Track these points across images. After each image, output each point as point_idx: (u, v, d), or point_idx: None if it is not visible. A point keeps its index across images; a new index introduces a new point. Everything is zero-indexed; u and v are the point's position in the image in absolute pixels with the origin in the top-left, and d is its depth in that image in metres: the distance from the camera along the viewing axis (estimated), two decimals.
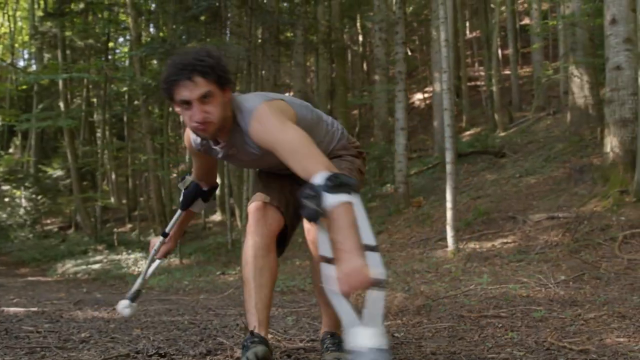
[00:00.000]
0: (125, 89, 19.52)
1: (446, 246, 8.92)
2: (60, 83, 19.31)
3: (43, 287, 10.45)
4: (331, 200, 1.98)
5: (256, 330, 2.38)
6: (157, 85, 11.83)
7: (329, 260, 2.00)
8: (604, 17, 8.74)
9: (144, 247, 16.22)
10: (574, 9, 12.85)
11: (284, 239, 2.69)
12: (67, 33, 18.53)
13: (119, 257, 14.58)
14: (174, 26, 10.66)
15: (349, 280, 1.84)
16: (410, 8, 26.52)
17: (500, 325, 3.82)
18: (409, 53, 29.01)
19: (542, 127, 17.84)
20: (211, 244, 14.41)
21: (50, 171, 24.68)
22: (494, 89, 20.28)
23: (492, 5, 22.78)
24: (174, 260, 13.10)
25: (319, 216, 2.02)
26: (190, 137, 2.64)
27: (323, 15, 12.03)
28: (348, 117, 25.77)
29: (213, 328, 4.01)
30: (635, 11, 8.25)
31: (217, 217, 18.86)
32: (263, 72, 11.95)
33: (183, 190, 2.96)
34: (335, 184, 2.01)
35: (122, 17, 18.26)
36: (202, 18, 10.54)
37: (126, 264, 13.35)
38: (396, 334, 3.67)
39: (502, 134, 18.79)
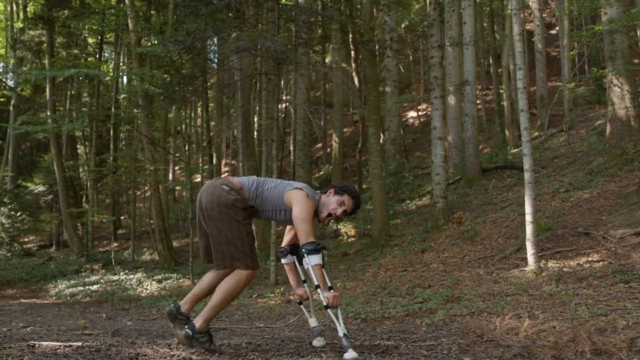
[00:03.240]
0: (123, 96, 18.32)
1: (518, 265, 7.99)
2: (48, 92, 18.04)
3: (46, 310, 9.20)
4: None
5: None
6: (171, 83, 10.75)
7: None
8: None
9: (141, 266, 14.96)
10: (612, 15, 12.11)
11: None
12: (58, 39, 17.30)
13: (117, 277, 13.30)
14: (198, 20, 9.60)
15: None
16: (406, 22, 25.82)
17: None
18: (401, 69, 28.29)
19: (559, 143, 17.14)
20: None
21: (31, 186, 23.15)
22: (505, 104, 19.58)
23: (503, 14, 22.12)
24: (184, 282, 11.91)
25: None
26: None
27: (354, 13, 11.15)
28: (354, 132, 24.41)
29: None
30: None
31: None
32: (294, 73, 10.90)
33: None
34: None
35: (113, 19, 17.09)
36: (230, 14, 9.53)
37: (130, 285, 12.10)
38: None
39: (514, 150, 18.05)
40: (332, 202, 4.06)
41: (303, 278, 4.34)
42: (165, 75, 11.75)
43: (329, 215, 4.06)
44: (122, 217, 27.81)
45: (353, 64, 17.69)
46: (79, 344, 4.40)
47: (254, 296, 8.52)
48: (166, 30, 16.17)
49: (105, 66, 12.39)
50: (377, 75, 11.25)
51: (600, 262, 7.23)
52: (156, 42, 16.74)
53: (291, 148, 20.51)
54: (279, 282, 9.88)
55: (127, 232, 23.21)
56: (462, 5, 14.68)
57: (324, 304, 3.71)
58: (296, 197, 3.91)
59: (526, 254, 8.41)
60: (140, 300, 10.05)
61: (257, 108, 16.07)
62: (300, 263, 4.31)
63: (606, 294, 5.93)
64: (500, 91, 20.64)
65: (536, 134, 20.15)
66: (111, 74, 12.71)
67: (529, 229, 7.34)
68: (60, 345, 4.34)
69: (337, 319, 3.78)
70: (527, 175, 7.41)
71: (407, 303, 6.37)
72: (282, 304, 7.77)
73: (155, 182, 14.65)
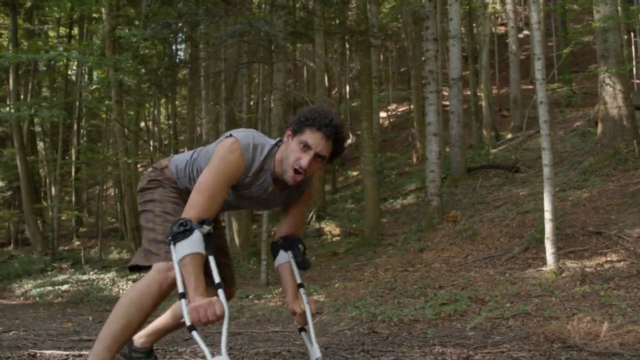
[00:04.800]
0: (95, 86, 17.50)
1: (530, 265, 7.65)
2: (11, 82, 17.10)
3: (20, 312, 8.49)
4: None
5: None
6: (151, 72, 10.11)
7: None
8: None
9: (110, 265, 14.19)
10: (605, 13, 11.92)
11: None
12: (23, 24, 16.39)
13: (87, 277, 12.55)
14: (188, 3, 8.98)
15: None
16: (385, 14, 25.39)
17: None
18: (380, 65, 27.94)
19: (538, 144, 16.95)
20: None
21: None
22: (484, 104, 19.38)
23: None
24: None
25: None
26: (247, 165, 2.62)
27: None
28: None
29: None
30: None
31: None
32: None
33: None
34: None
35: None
36: None
37: (104, 285, 11.39)
38: None
39: (493, 150, 17.86)
40: (291, 150, 2.57)
41: (299, 281, 2.95)
42: (139, 67, 11.12)
43: (296, 172, 2.56)
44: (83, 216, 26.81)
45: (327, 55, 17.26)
46: (87, 352, 3.83)
47: (250, 297, 7.97)
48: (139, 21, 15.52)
49: (76, 56, 11.66)
50: (370, 68, 10.83)
51: (622, 262, 6.91)
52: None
53: None
54: (270, 282, 9.35)
55: (89, 231, 22.30)
56: (449, 2, 14.36)
57: (186, 321, 2.32)
58: (216, 151, 2.61)
59: (536, 253, 8.13)
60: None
61: (243, 101, 15.51)
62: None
63: None
64: (478, 93, 20.46)
65: (509, 135, 20.05)
66: (91, 59, 11.90)
67: (548, 227, 6.97)
68: (67, 355, 3.78)
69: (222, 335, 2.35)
70: (546, 171, 7.05)
71: (427, 305, 5.92)
72: (285, 306, 7.25)
73: (129, 177, 13.94)
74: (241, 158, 2.57)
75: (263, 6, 10.22)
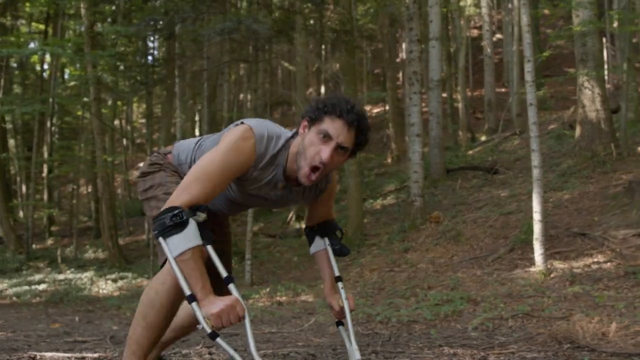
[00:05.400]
0: (72, 83, 17.20)
1: (517, 265, 7.73)
2: None
3: (1, 312, 8.29)
4: None
5: None
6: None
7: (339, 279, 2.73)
8: None
9: (86, 264, 13.96)
10: (584, 17, 12.09)
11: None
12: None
13: (64, 276, 12.34)
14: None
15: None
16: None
17: None
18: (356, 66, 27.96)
19: (514, 146, 17.20)
20: None
21: None
22: (460, 106, 19.54)
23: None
24: (142, 281, 11.14)
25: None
26: (258, 156, 2.32)
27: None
28: None
29: None
30: None
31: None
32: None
33: None
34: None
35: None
36: None
37: (82, 284, 11.21)
38: None
39: (470, 152, 18.01)
40: (309, 143, 2.27)
41: (337, 274, 2.70)
42: (118, 63, 10.94)
43: (314, 169, 2.27)
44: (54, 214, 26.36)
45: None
46: (93, 355, 3.76)
47: None
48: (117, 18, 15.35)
49: (59, 52, 11.42)
50: (355, 68, 10.84)
51: (608, 263, 7.02)
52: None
53: None
54: (255, 282, 9.30)
55: (61, 229, 21.93)
56: (429, 3, 14.42)
57: (205, 328, 2.11)
58: (224, 137, 2.35)
59: (522, 254, 8.21)
60: (102, 301, 9.26)
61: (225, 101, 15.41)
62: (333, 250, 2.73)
63: (633, 296, 5.69)
64: (454, 95, 20.64)
65: (484, 137, 20.24)
66: (69, 53, 11.65)
67: (537, 228, 7.05)
68: (69, 357, 3.69)
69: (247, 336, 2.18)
70: (535, 172, 7.13)
71: (421, 305, 5.94)
72: (274, 306, 7.21)
73: (107, 175, 13.74)
74: (253, 148, 2.28)
75: (245, 3, 10.12)
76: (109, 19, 16.62)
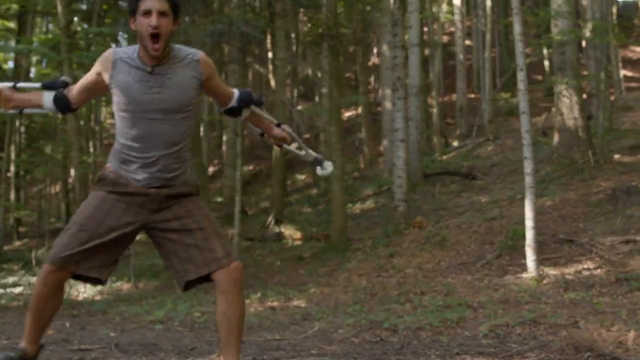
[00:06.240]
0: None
1: (506, 271, 7.80)
2: None
3: None
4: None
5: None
6: None
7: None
8: None
9: None
10: (563, 27, 12.29)
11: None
12: None
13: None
14: None
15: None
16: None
17: None
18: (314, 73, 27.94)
19: (488, 152, 17.41)
20: (157, 264, 12.17)
21: None
22: (435, 111, 19.70)
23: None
24: (122, 285, 10.94)
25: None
26: (113, 56, 2.78)
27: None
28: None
29: None
30: None
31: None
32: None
33: None
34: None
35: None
36: None
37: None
38: None
39: (444, 157, 18.17)
40: (139, 25, 2.68)
41: (276, 121, 3.20)
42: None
43: (152, 37, 2.64)
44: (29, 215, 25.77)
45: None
46: None
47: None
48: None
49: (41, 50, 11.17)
50: (339, 72, 10.83)
51: (599, 270, 7.13)
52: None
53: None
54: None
55: (29, 230, 21.49)
56: (408, 10, 14.51)
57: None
58: None
59: (510, 260, 8.29)
60: (85, 306, 9.06)
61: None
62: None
63: (630, 302, 5.78)
64: (428, 101, 20.79)
65: (455, 142, 20.44)
66: (47, 52, 11.40)
67: (529, 234, 7.14)
68: None
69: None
70: (528, 179, 7.20)
71: (420, 312, 5.95)
72: (267, 311, 7.14)
73: (83, 175, 13.47)
74: (110, 51, 2.81)
75: (232, 6, 10.02)
76: (76, 18, 16.38)
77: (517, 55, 7.47)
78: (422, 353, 4.03)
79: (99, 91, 2.90)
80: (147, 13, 2.63)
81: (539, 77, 25.17)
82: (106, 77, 2.75)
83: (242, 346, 4.62)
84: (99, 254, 2.74)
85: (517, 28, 7.45)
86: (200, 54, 2.84)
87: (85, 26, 16.62)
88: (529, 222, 7.11)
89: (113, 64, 2.74)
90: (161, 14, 2.64)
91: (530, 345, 4.12)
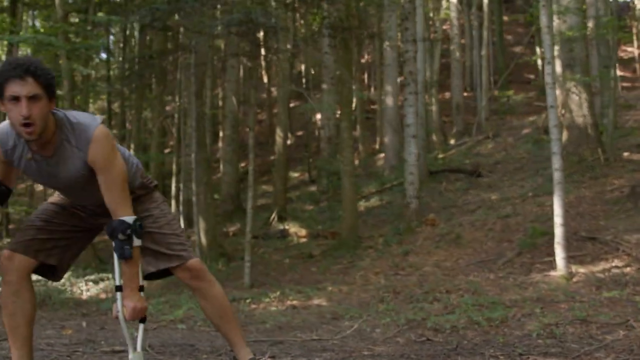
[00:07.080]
0: None
1: (531, 269, 7.64)
2: None
3: None
4: (135, 243, 2.60)
5: None
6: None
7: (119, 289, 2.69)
8: None
9: None
10: (572, 23, 12.18)
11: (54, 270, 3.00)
12: None
13: (35, 277, 11.69)
14: None
15: (135, 312, 2.63)
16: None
17: None
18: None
19: (489, 150, 17.29)
20: None
21: None
22: (434, 109, 19.56)
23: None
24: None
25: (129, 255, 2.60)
26: (2, 139, 2.58)
27: None
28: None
29: None
30: None
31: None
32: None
33: None
34: (139, 230, 2.60)
35: None
36: None
37: (62, 285, 10.64)
38: None
39: (443, 155, 18.01)
40: (8, 110, 2.44)
41: (117, 282, 2.77)
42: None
43: (25, 126, 2.42)
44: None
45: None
46: None
47: (247, 301, 7.56)
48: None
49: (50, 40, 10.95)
50: (350, 66, 10.63)
51: (628, 268, 6.98)
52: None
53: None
54: (254, 285, 8.97)
55: (18, 227, 21.05)
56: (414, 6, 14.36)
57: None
58: None
59: (532, 258, 8.14)
60: (92, 304, 8.81)
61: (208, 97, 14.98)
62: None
63: None
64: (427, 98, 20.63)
65: (452, 140, 20.33)
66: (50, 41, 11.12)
67: (558, 231, 6.97)
68: None
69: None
70: (557, 175, 7.05)
71: (456, 310, 5.76)
72: (288, 310, 6.92)
73: None
74: None
75: None
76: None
77: (545, 48, 7.30)
78: (481, 353, 3.84)
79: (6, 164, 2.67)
80: (15, 99, 2.39)
81: (532, 77, 25.19)
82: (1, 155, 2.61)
83: (285, 347, 4.42)
84: (55, 243, 2.84)
85: (544, 20, 7.28)
86: (90, 145, 2.52)
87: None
88: (557, 219, 6.94)
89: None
90: (31, 98, 2.39)
91: (595, 347, 3.93)
